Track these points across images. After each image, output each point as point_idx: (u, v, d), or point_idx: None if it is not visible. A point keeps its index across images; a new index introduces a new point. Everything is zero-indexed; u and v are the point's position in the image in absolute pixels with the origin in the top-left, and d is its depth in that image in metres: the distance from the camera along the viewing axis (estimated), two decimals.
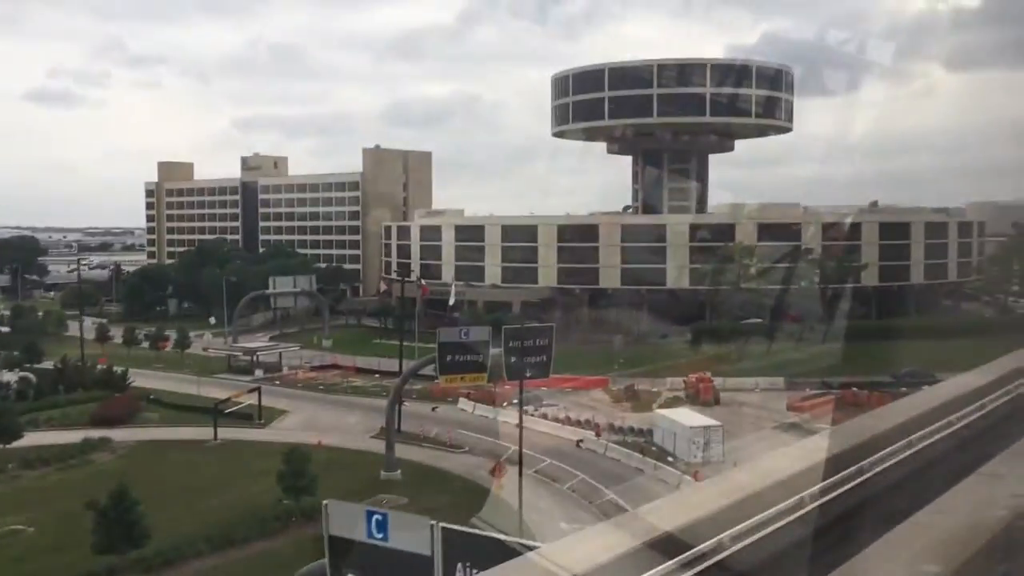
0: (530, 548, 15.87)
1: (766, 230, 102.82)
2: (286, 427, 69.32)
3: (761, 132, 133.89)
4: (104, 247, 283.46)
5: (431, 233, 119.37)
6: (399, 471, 53.61)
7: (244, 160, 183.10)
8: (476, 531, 23.50)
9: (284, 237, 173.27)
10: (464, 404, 70.58)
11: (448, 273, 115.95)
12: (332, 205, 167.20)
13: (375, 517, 18.84)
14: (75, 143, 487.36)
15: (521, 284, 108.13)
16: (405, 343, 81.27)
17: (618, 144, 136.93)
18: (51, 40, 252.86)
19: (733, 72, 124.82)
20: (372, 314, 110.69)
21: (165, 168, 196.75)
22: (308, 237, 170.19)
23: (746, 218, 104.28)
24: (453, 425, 64.65)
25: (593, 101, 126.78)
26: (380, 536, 18.49)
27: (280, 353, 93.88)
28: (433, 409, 69.10)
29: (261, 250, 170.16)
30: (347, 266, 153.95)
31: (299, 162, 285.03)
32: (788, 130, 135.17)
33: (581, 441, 58.23)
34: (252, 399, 70.38)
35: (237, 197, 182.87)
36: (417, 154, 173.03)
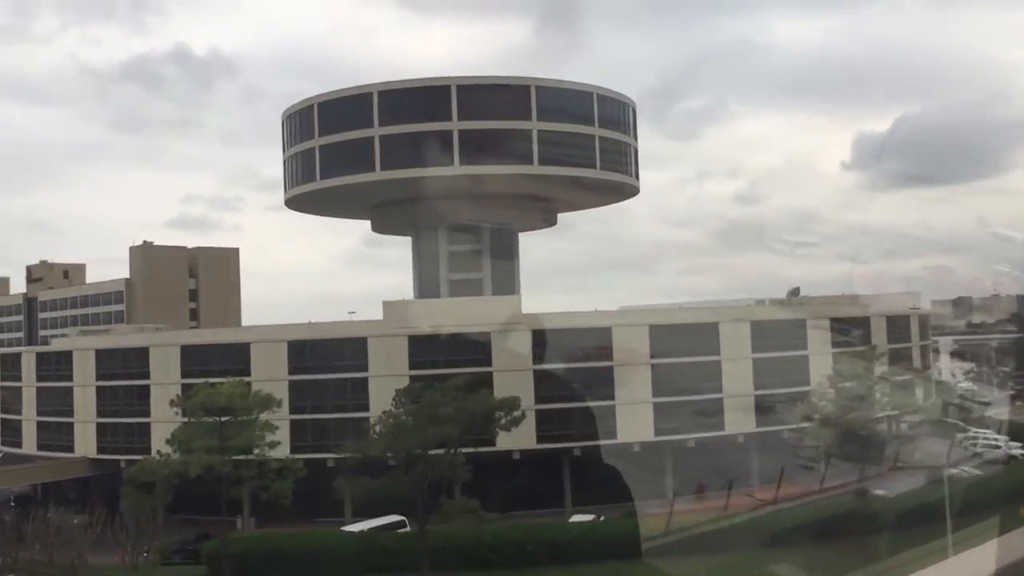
0: None
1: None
2: None
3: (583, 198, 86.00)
4: None
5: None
6: None
7: (28, 270, 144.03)
8: None
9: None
10: None
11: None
12: (99, 323, 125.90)
13: None
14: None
15: (55, 453, 62.19)
16: None
17: (378, 219, 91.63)
18: (186, 171, 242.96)
19: (513, 97, 78.99)
20: None
21: None
22: None
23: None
24: None
25: (306, 153, 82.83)
26: None
27: None
28: None
29: None
30: None
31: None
32: (631, 192, 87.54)
33: None
34: None
35: (21, 318, 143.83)
36: (214, 252, 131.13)
